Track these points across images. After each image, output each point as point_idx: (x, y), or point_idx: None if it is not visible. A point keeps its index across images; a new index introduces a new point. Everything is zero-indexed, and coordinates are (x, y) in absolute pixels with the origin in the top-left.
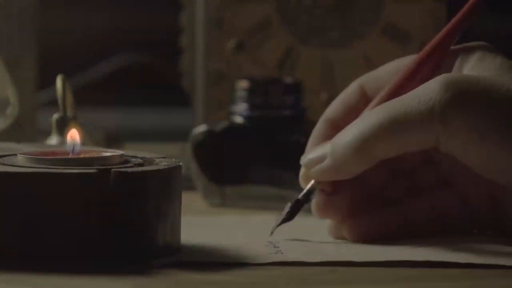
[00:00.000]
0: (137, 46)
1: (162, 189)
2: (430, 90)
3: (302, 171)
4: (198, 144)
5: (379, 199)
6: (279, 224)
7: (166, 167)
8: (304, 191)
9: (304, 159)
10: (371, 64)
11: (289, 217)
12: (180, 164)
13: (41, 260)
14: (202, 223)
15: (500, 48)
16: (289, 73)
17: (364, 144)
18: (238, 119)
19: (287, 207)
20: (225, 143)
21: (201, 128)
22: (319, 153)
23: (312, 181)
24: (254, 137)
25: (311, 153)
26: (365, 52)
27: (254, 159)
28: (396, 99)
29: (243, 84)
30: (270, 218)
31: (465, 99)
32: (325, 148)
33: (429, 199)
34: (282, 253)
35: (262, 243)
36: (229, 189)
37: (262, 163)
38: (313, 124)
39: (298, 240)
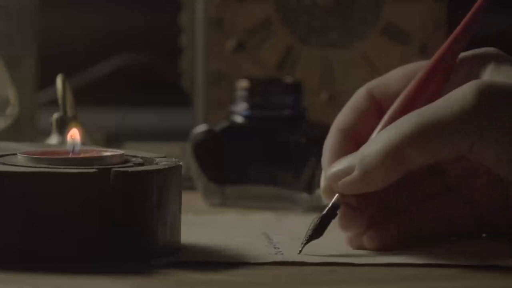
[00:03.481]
0: (137, 46)
1: (162, 189)
2: (461, 97)
3: (324, 184)
4: (198, 144)
5: (394, 208)
6: (307, 242)
7: (166, 166)
8: (329, 205)
9: (328, 173)
10: (371, 64)
11: (318, 234)
12: (180, 164)
13: (41, 260)
14: (202, 222)
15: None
16: (289, 73)
17: (396, 152)
18: (238, 119)
19: (313, 223)
20: (225, 143)
21: (201, 128)
22: (345, 165)
23: (337, 195)
24: (254, 137)
25: (335, 166)
26: (365, 52)
27: (254, 159)
28: (426, 107)
29: (243, 84)
30: (270, 218)
31: (498, 107)
32: (351, 160)
33: (442, 207)
34: (282, 253)
35: (262, 243)
36: (229, 189)
37: (262, 163)
38: (313, 124)
39: (298, 238)
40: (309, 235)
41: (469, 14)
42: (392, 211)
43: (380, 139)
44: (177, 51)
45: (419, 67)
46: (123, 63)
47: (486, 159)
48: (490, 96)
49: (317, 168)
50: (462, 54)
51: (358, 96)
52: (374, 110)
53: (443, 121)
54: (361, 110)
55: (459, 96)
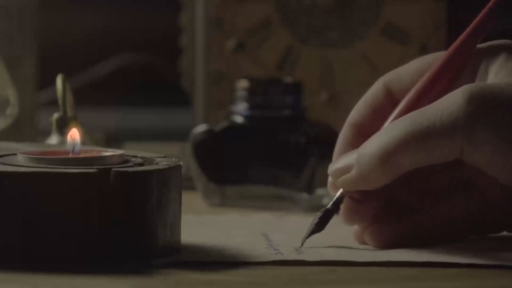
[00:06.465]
0: (137, 46)
1: (162, 189)
2: (453, 103)
3: (329, 179)
4: (198, 144)
5: (399, 205)
6: (309, 235)
7: (166, 166)
8: (333, 200)
9: (330, 169)
10: (371, 64)
11: (319, 227)
12: (180, 164)
13: (41, 260)
14: (202, 222)
15: None
16: (289, 73)
17: (388, 157)
18: (238, 119)
19: (316, 217)
20: (225, 143)
21: (201, 128)
22: (345, 163)
23: (341, 190)
24: (254, 137)
25: (337, 163)
26: (365, 52)
27: (254, 159)
28: (419, 110)
29: (243, 84)
30: (270, 218)
31: (488, 112)
32: (351, 158)
33: (450, 205)
34: (282, 254)
35: (262, 244)
36: (229, 189)
37: (262, 163)
38: (313, 124)
39: (298, 238)
40: (312, 229)
41: (483, 11)
42: (398, 208)
43: (374, 141)
44: (177, 51)
45: (435, 59)
46: (123, 63)
47: (479, 162)
48: (481, 101)
49: (317, 168)
50: (478, 46)
51: (374, 90)
52: (389, 105)
53: (433, 126)
54: (376, 104)
55: (451, 101)
